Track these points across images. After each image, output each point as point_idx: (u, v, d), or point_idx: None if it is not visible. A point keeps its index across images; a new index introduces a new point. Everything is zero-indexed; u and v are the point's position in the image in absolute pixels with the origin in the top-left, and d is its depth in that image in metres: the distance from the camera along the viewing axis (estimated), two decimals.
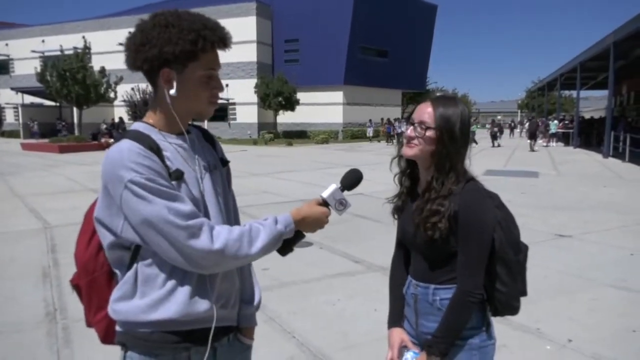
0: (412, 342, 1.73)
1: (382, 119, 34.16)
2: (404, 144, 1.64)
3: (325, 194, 1.49)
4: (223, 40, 1.36)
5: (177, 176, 1.32)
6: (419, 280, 1.68)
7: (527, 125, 37.04)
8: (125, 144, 1.29)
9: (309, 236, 5.05)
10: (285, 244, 1.42)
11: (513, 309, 1.67)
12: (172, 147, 1.38)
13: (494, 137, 28.04)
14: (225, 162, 1.58)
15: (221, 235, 1.29)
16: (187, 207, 1.28)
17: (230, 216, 1.54)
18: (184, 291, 1.34)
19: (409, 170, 1.73)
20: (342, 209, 1.51)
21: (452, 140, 1.56)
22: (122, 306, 1.36)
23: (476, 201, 1.57)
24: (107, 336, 1.46)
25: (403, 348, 1.72)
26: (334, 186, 1.50)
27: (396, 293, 1.82)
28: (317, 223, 1.46)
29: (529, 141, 25.18)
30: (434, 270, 1.64)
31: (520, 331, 3.79)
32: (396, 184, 1.78)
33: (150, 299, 1.33)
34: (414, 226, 1.62)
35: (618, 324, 3.98)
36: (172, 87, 1.33)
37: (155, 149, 1.31)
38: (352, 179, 1.56)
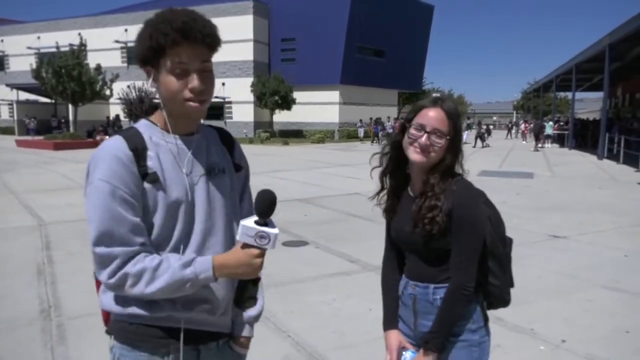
0: (409, 344, 1.73)
1: (370, 119, 33.91)
2: (416, 150, 1.60)
3: (238, 235, 1.31)
4: (180, 31, 1.28)
5: (153, 179, 1.32)
6: (417, 280, 1.69)
7: (522, 126, 37.31)
8: (111, 142, 1.34)
9: (304, 236, 5.07)
10: (240, 293, 1.40)
11: (505, 302, 1.71)
12: (167, 147, 1.38)
13: (481, 138, 28.20)
14: (239, 168, 1.55)
15: (123, 269, 1.27)
16: (120, 229, 1.27)
17: (230, 223, 1.48)
18: None
19: (391, 169, 1.75)
20: (266, 242, 1.29)
21: (458, 147, 1.64)
22: (102, 296, 1.41)
23: (469, 198, 1.61)
24: (107, 323, 1.50)
25: (401, 349, 1.73)
26: (241, 223, 1.30)
27: (390, 295, 1.82)
28: (246, 266, 1.31)
29: (524, 142, 25.26)
30: (432, 269, 1.65)
31: (515, 331, 3.80)
32: (371, 178, 1.80)
33: (110, 293, 1.38)
34: (412, 225, 1.62)
35: (612, 324, 4.00)
36: (152, 85, 1.38)
37: (140, 150, 1.32)
38: (263, 205, 1.30)
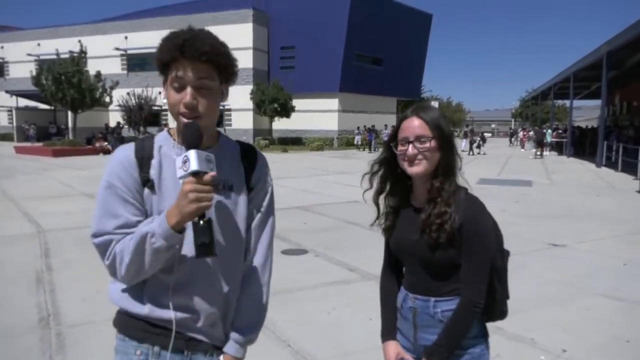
0: (409, 355, 1.72)
1: (365, 126, 33.52)
2: (410, 164, 1.61)
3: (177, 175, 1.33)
4: (179, 48, 1.34)
5: (150, 186, 1.41)
6: (418, 293, 1.67)
7: (521, 134, 37.42)
8: (121, 149, 1.47)
9: (303, 244, 5.07)
10: (198, 243, 1.31)
11: (502, 314, 1.70)
12: (173, 158, 1.42)
13: (476, 146, 28.39)
14: (250, 189, 1.53)
15: (113, 250, 1.38)
16: (114, 223, 1.38)
17: (232, 239, 1.49)
18: (136, 287, 1.44)
19: (390, 187, 1.73)
20: (187, 169, 1.28)
21: (449, 144, 1.61)
22: (110, 286, 1.51)
23: (479, 213, 1.59)
24: None
25: None
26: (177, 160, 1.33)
27: (388, 306, 1.80)
28: (181, 198, 1.29)
29: (523, 150, 25.42)
30: (434, 282, 1.63)
31: (515, 341, 3.80)
32: (365, 201, 1.77)
33: (114, 285, 1.49)
34: (418, 233, 1.60)
35: (612, 334, 4.00)
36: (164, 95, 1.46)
37: (146, 158, 1.43)
38: (187, 137, 1.34)
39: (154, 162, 1.43)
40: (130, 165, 1.41)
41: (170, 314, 1.41)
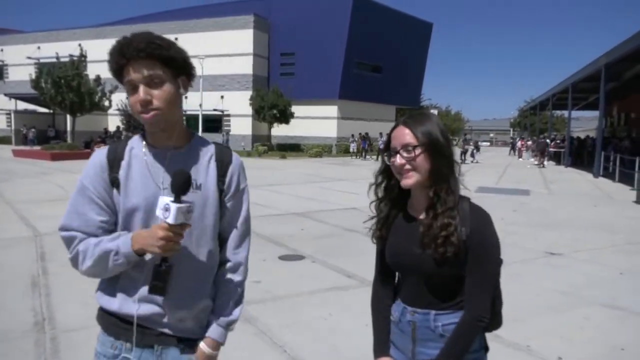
0: None
1: (359, 134, 33.27)
2: (399, 176, 1.55)
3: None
4: (119, 53, 1.42)
5: (117, 185, 1.49)
6: (417, 306, 1.59)
7: (519, 144, 37.56)
8: (98, 151, 1.56)
9: (300, 250, 5.07)
10: (151, 285, 1.41)
11: (498, 324, 1.66)
12: (143, 158, 1.50)
13: (470, 154, 28.65)
14: (222, 189, 1.57)
15: (77, 248, 1.48)
16: (80, 221, 1.48)
17: (199, 238, 1.53)
18: (110, 284, 1.52)
19: (388, 195, 1.67)
20: (168, 215, 1.34)
21: (441, 150, 1.52)
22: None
23: (484, 224, 1.53)
24: None
25: None
26: (159, 198, 1.40)
27: (380, 319, 1.72)
28: (150, 238, 1.37)
29: (520, 159, 25.53)
30: (435, 295, 1.56)
31: (511, 349, 3.79)
32: (372, 211, 1.71)
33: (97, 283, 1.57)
34: (420, 247, 1.52)
35: (608, 342, 4.00)
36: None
37: (117, 159, 1.51)
38: (174, 183, 1.38)
39: (124, 163, 1.50)
40: (101, 167, 1.50)
41: (139, 308, 1.47)
